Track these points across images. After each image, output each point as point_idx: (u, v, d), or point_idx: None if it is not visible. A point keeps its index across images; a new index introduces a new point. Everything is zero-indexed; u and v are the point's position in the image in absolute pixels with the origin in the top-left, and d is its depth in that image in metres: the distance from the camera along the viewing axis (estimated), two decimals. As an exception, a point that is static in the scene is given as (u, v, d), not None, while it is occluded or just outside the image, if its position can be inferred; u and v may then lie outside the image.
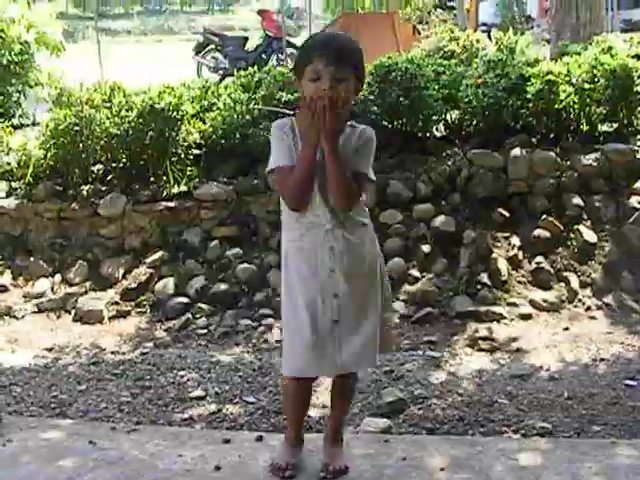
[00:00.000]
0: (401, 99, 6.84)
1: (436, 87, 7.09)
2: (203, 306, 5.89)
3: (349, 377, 3.15)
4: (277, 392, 4.36)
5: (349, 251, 2.96)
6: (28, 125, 8.82)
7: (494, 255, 6.10)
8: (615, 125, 7.08)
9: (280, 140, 2.93)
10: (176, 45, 22.72)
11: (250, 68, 7.69)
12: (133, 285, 6.13)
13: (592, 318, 5.70)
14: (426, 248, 6.25)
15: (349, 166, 2.89)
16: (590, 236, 6.28)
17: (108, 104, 6.94)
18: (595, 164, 6.63)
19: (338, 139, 2.85)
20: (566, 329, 5.50)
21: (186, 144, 6.82)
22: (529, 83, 6.91)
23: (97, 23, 17.83)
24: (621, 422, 3.99)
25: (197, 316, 5.82)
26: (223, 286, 6.05)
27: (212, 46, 15.28)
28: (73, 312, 5.98)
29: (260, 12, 15.81)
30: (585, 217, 6.42)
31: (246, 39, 15.79)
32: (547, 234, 6.31)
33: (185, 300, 5.98)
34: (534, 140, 6.91)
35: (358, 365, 3.06)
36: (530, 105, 6.84)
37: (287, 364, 3.03)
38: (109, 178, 6.83)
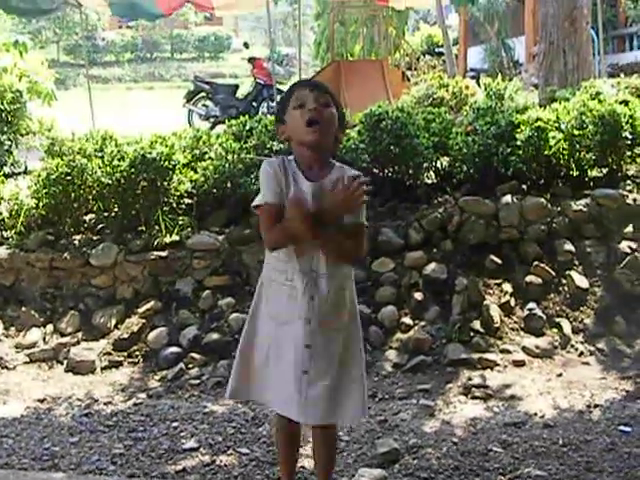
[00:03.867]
0: (392, 147, 6.89)
1: (426, 135, 7.13)
2: (196, 356, 5.84)
3: (327, 427, 3.11)
4: (271, 443, 4.31)
5: (332, 301, 2.92)
6: (20, 174, 8.82)
7: (486, 302, 6.08)
8: (605, 170, 7.12)
9: (269, 177, 2.87)
10: (167, 92, 22.93)
11: (241, 116, 7.76)
12: (125, 335, 6.08)
13: (585, 364, 5.68)
14: (418, 296, 6.20)
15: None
16: (582, 281, 6.27)
17: (100, 153, 6.95)
18: (585, 209, 6.64)
19: (327, 230, 2.83)
20: (559, 375, 5.48)
21: (178, 193, 6.83)
22: (519, 130, 6.96)
23: (88, 71, 18.04)
24: (617, 469, 3.97)
25: (190, 366, 5.77)
26: (216, 336, 5.99)
27: (203, 94, 15.36)
28: (65, 362, 5.94)
29: (250, 60, 15.86)
30: (576, 262, 6.40)
31: (237, 87, 15.85)
32: (539, 280, 6.29)
33: (178, 350, 5.92)
34: (524, 186, 6.94)
35: (326, 418, 3.00)
36: (520, 152, 6.87)
37: (229, 384, 3.12)
38: (101, 227, 6.83)
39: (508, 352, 5.77)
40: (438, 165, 7.29)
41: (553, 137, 6.91)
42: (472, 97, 11.12)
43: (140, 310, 6.30)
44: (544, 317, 6.06)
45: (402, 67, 19.17)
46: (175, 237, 6.58)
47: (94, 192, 6.77)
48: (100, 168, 6.75)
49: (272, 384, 2.96)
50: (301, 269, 2.87)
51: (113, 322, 6.25)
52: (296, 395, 2.88)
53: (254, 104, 15.04)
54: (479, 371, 5.52)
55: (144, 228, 6.73)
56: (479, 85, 12.27)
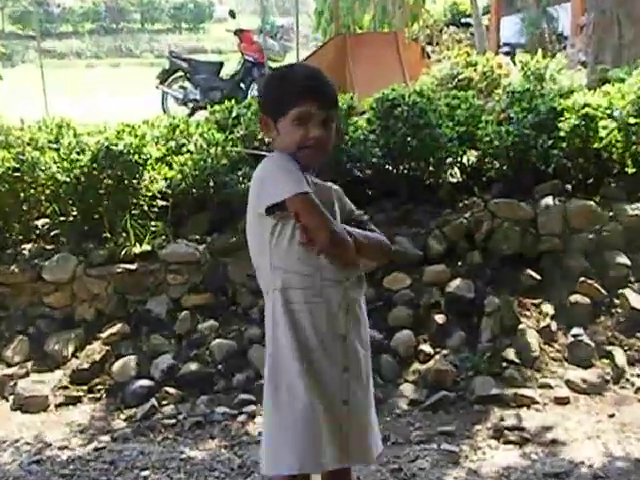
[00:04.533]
0: (408, 139, 6.86)
1: (450, 124, 7.10)
2: (171, 390, 5.83)
3: (348, 472, 3.13)
4: (262, 498, 4.29)
5: (360, 315, 3.02)
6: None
7: (522, 326, 6.07)
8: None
9: (292, 168, 2.89)
10: (136, 70, 22.82)
11: (226, 101, 7.72)
12: (85, 365, 6.07)
13: (642, 402, 5.60)
14: (440, 318, 6.22)
15: (350, 215, 3.04)
16: (638, 302, 6.24)
17: (55, 145, 6.95)
18: (643, 215, 6.59)
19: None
20: (611, 416, 5.42)
21: (150, 194, 6.81)
22: (562, 118, 6.92)
23: (40, 44, 17.79)
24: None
25: (163, 403, 5.75)
26: (195, 366, 6.01)
27: (180, 73, 15.26)
28: (11, 398, 5.92)
29: (237, 32, 15.81)
30: (632, 279, 6.39)
31: (221, 65, 15.79)
32: (586, 300, 6.28)
33: (149, 383, 5.91)
34: (569, 187, 6.93)
35: (369, 456, 3.08)
36: (564, 144, 6.84)
37: (283, 459, 2.94)
38: (56, 235, 6.84)
39: (549, 387, 5.74)
40: (464, 161, 7.25)
41: (604, 127, 6.87)
42: (506, 78, 11.00)
43: (103, 335, 6.28)
44: (592, 345, 6.02)
45: (421, 41, 19.09)
46: (146, 247, 6.59)
47: (48, 192, 6.77)
48: (55, 163, 6.74)
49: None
50: (335, 277, 2.94)
51: (70, 349, 6.22)
52: (337, 433, 2.92)
53: (242, 86, 14.98)
54: (513, 410, 5.48)
55: (108, 236, 6.70)
56: (514, 63, 12.21)
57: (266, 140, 6.57)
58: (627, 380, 5.82)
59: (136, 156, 6.72)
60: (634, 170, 7.02)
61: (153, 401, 5.75)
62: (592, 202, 6.67)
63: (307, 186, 2.84)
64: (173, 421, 5.54)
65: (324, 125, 2.93)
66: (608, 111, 6.96)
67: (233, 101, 7.76)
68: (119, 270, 6.50)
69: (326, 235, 2.84)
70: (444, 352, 6.01)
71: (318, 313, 2.91)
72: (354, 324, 2.97)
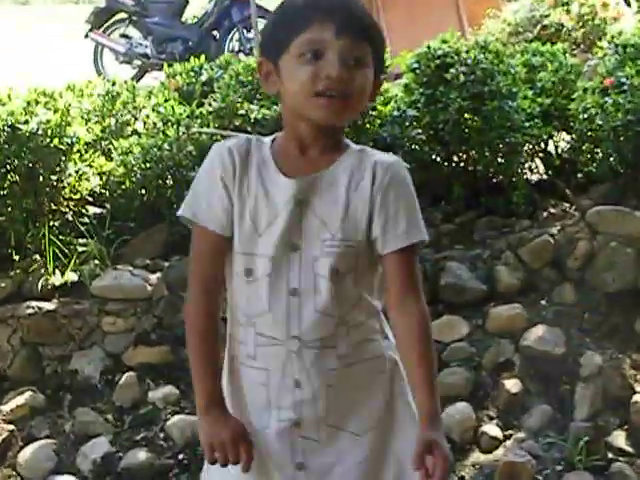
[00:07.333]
0: (466, 115, 6.08)
1: (530, 94, 6.33)
2: None
3: None
4: None
5: (338, 391, 2.58)
6: None
7: (639, 398, 5.20)
8: None
9: (212, 177, 2.57)
10: (55, 12, 21.49)
11: (193, 58, 7.24)
12: (-22, 453, 5.45)
13: None
14: (512, 385, 5.39)
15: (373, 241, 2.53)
16: None
17: None
18: None
19: None
20: None
21: (77, 197, 6.13)
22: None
23: None
24: None
25: (95, 510, 5.21)
26: (143, 454, 5.19)
27: (123, 15, 13.74)
28: None
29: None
30: None
31: (185, 3, 13.86)
32: None
33: None
34: None
35: None
36: None
37: None
38: None
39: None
40: (550, 148, 6.52)
41: None
42: (615, 24, 9.93)
43: (5, 408, 5.48)
44: None
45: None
46: (71, 276, 5.80)
47: None
48: None
49: None
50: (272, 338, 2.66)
51: (-45, 429, 5.59)
52: None
53: (215, 34, 13.35)
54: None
55: (15, 259, 5.95)
56: (628, 3, 10.93)
57: (252, 115, 6.12)
58: None
59: (56, 140, 5.92)
60: None
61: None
62: None
63: (211, 217, 2.54)
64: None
65: (347, 64, 2.40)
66: None
67: (202, 58, 7.24)
68: (30, 311, 5.64)
69: (188, 289, 2.58)
70: (519, 436, 5.22)
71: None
72: (328, 408, 2.58)
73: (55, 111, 6.03)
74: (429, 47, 6.24)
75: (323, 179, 2.54)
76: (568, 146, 6.51)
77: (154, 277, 5.75)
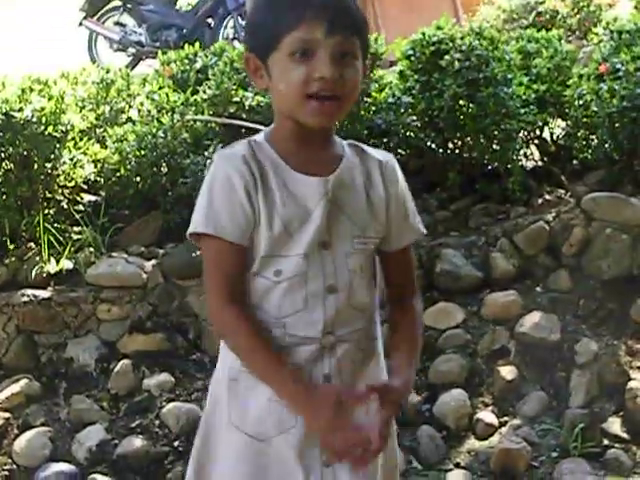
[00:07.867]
0: (461, 102, 6.18)
1: (525, 80, 6.45)
2: (101, 479, 5.12)
3: None
4: None
5: (360, 384, 2.54)
6: None
7: (633, 384, 5.28)
8: None
9: (231, 191, 2.47)
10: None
11: (187, 45, 7.26)
12: (-27, 441, 5.42)
13: None
14: (508, 372, 5.49)
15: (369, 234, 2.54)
16: None
17: None
18: None
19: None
20: None
21: (72, 185, 6.20)
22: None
23: None
24: None
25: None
26: (139, 442, 5.27)
27: (117, 3, 13.78)
28: None
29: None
30: None
31: None
32: None
33: (69, 469, 5.17)
34: None
35: None
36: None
37: None
38: None
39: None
40: (545, 135, 6.66)
41: None
42: (610, 10, 10.25)
43: (1, 396, 5.54)
44: None
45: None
46: (66, 263, 5.86)
47: None
48: None
49: None
50: (304, 335, 2.58)
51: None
52: None
53: (209, 22, 13.58)
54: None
55: (9, 247, 5.98)
56: None
57: (246, 103, 6.23)
58: None
59: (50, 127, 6.01)
60: None
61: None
62: None
63: (233, 228, 2.46)
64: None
65: (338, 61, 2.40)
66: None
67: (197, 45, 7.28)
68: (25, 299, 5.71)
69: (210, 304, 2.49)
70: (514, 423, 5.32)
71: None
72: None
73: (49, 99, 6.10)
74: (424, 34, 6.33)
75: (344, 177, 2.55)
76: (563, 133, 6.62)
77: (149, 264, 5.83)
